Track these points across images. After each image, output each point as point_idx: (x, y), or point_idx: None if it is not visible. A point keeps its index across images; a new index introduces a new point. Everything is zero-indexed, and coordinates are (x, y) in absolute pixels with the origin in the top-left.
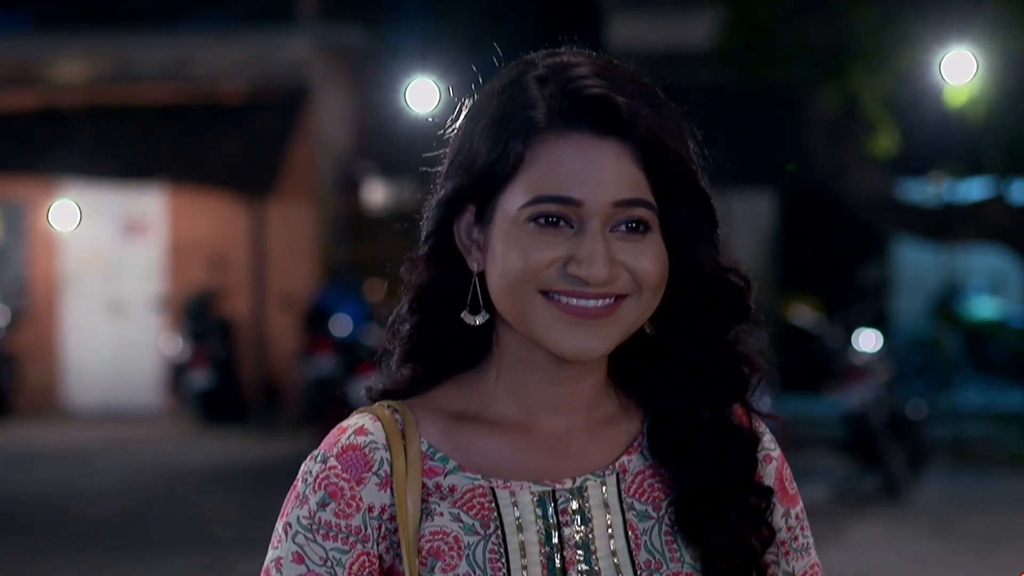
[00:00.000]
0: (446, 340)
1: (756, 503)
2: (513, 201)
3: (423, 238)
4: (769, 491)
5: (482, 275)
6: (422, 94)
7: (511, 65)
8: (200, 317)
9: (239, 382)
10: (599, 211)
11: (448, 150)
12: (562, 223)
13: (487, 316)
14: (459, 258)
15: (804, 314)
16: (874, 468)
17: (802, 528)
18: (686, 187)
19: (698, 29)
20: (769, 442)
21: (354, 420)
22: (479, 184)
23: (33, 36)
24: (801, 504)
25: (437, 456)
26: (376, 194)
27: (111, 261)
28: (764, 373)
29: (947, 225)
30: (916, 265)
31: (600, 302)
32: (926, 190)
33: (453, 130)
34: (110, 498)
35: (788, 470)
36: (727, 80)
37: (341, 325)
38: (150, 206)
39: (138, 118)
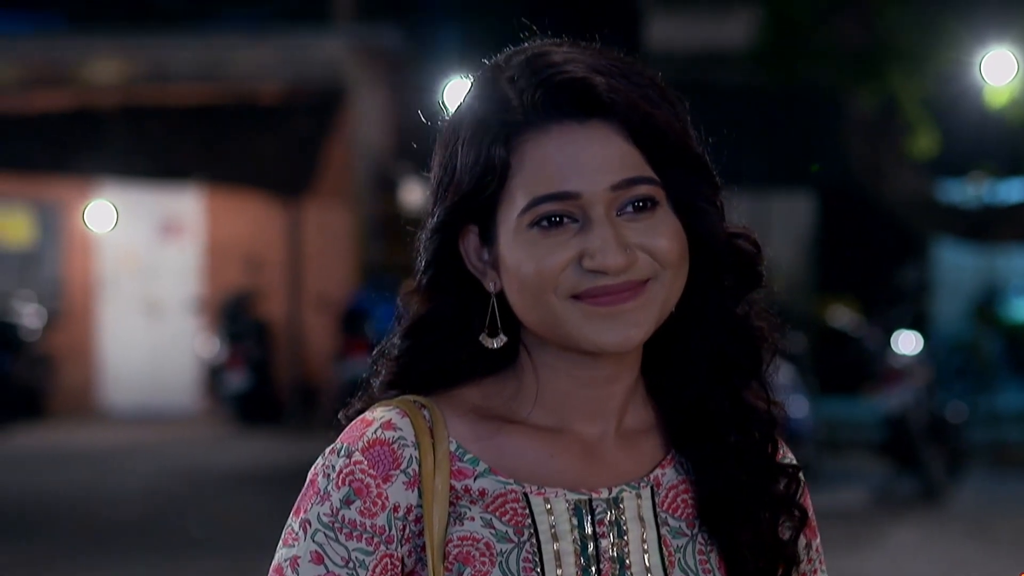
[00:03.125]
0: (447, 362)
1: (783, 488)
2: (511, 210)
3: (421, 269)
4: (796, 468)
5: (500, 295)
6: (459, 94)
7: (480, 72)
8: (236, 318)
9: (275, 384)
10: (599, 198)
11: (432, 175)
12: (566, 220)
13: (505, 339)
14: (463, 283)
15: (843, 316)
16: (913, 471)
17: (821, 562)
18: (680, 154)
19: (736, 30)
20: (794, 460)
21: (380, 413)
22: (471, 202)
23: (67, 36)
24: (819, 538)
25: (467, 457)
26: (412, 195)
27: (147, 262)
28: (778, 348)
29: (986, 226)
30: (955, 267)
31: (624, 290)
32: (965, 191)
33: (432, 154)
34: (144, 499)
35: (809, 499)
36: (765, 81)
37: (390, 328)
38: (186, 207)
39: (172, 119)
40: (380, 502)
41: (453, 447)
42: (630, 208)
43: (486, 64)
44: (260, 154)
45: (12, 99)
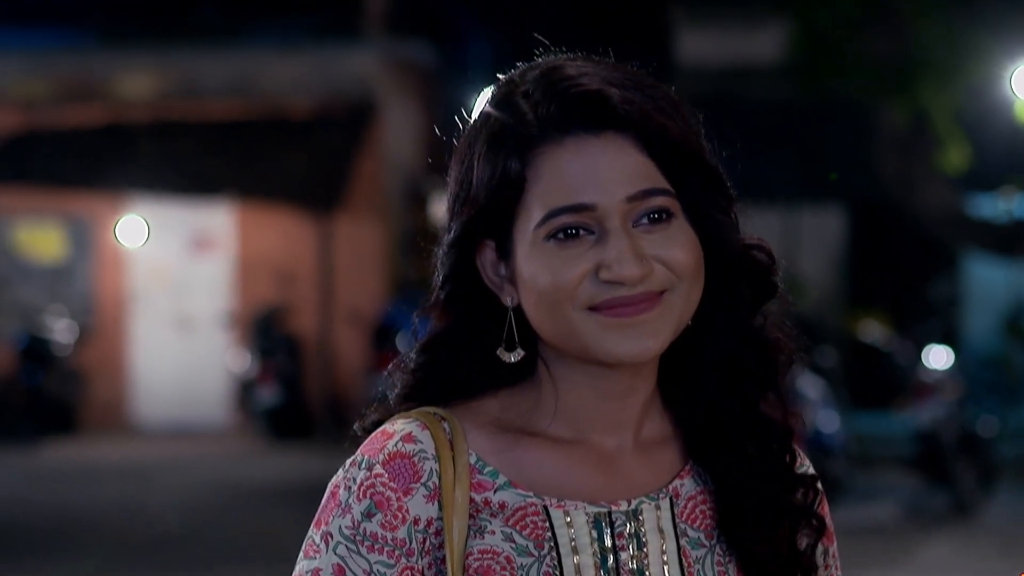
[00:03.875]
0: (464, 375)
1: (801, 498)
2: (527, 223)
3: (438, 284)
4: (814, 479)
5: (517, 309)
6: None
7: (494, 87)
8: (267, 333)
9: (306, 398)
10: (615, 210)
11: (448, 190)
12: (582, 232)
13: (523, 353)
14: (480, 297)
15: (874, 331)
16: (944, 486)
17: (836, 568)
18: (694, 165)
19: (766, 44)
20: (811, 469)
21: (400, 425)
22: (487, 216)
23: (98, 51)
24: (836, 543)
25: (486, 470)
26: (443, 209)
27: (178, 277)
28: (795, 358)
29: (1017, 240)
30: (986, 281)
31: (642, 301)
32: (996, 205)
33: (448, 169)
34: (175, 514)
35: (827, 506)
36: (796, 95)
37: (408, 341)
38: (217, 222)
39: (204, 133)
40: (401, 515)
41: (473, 459)
42: (645, 220)
43: (500, 79)
44: (291, 169)
45: (44, 114)
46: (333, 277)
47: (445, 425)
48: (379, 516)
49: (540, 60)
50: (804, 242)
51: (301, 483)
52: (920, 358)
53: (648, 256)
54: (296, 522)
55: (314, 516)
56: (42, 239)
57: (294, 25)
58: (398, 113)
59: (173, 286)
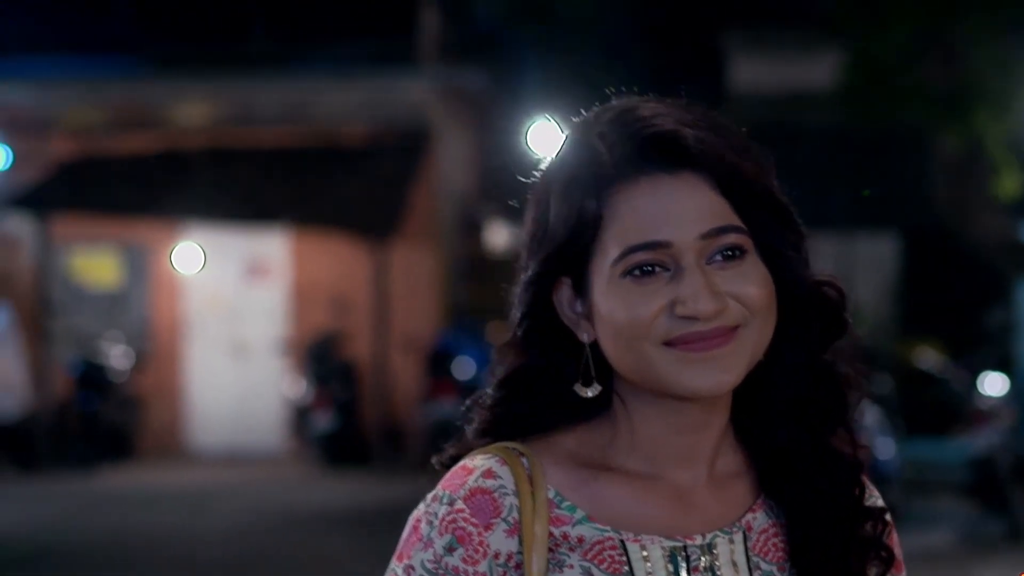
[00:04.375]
0: (540, 411)
1: (871, 530)
2: (604, 261)
3: (516, 322)
4: (882, 511)
5: (593, 345)
6: (543, 136)
7: (570, 129)
8: (323, 360)
9: (361, 425)
10: (690, 247)
11: (525, 229)
12: (657, 269)
13: (600, 388)
14: (556, 334)
15: (929, 358)
16: (1000, 512)
17: None
18: (766, 204)
19: (821, 71)
20: (880, 501)
21: (480, 461)
22: (565, 255)
23: (154, 79)
24: (905, 573)
25: (564, 504)
26: (497, 236)
27: (234, 303)
28: (864, 394)
29: None
30: None
31: (715, 336)
32: None
33: (526, 208)
34: (230, 540)
35: (896, 537)
36: (850, 122)
37: (464, 368)
38: (273, 249)
39: (259, 161)
40: (482, 550)
41: (551, 494)
42: (719, 257)
43: (576, 121)
44: (346, 196)
45: (101, 141)
46: (388, 304)
47: (524, 460)
48: (461, 551)
49: (614, 102)
50: (858, 269)
51: (356, 509)
52: (975, 385)
53: (722, 292)
54: (351, 548)
55: (371, 542)
56: (98, 266)
57: (348, 53)
58: (452, 140)
59: (229, 313)
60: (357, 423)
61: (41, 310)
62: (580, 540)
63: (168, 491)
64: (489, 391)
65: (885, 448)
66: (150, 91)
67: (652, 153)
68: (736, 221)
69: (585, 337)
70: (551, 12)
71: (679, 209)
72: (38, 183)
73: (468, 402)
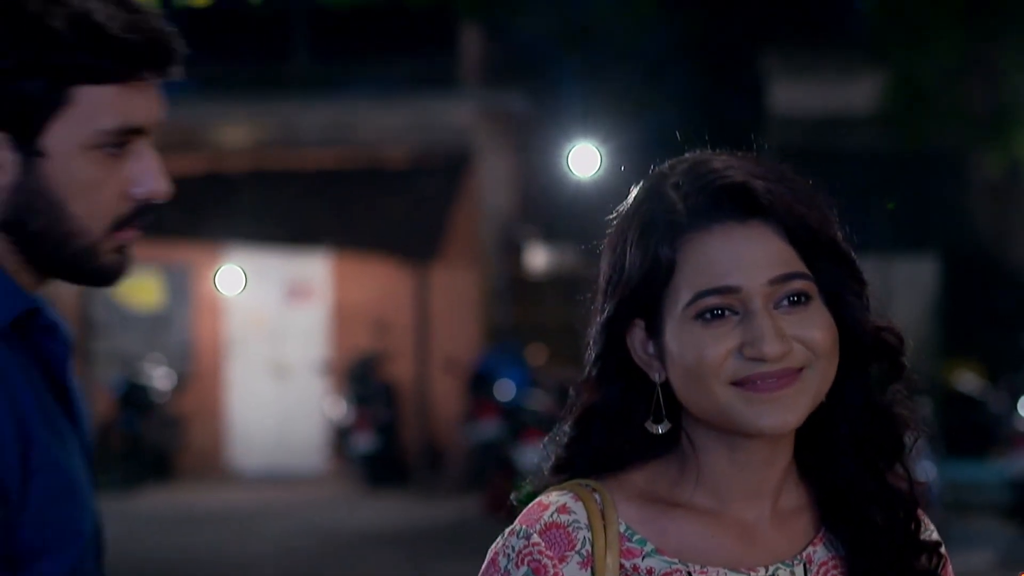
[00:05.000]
0: (614, 447)
1: (926, 563)
2: (676, 305)
3: (591, 360)
4: (937, 544)
5: (664, 384)
6: (583, 159)
7: (645, 179)
8: (364, 381)
9: (402, 445)
10: (758, 292)
11: (601, 273)
12: (727, 313)
13: (669, 425)
14: (629, 373)
15: (968, 380)
16: None
17: None
18: (831, 252)
19: (861, 94)
20: (935, 534)
21: (555, 497)
22: (639, 298)
23: (198, 102)
24: None
25: (635, 538)
26: (537, 258)
27: (275, 325)
28: (921, 435)
29: None
30: None
31: (780, 377)
32: None
33: (600, 252)
34: (273, 560)
35: (950, 568)
36: (889, 145)
37: (504, 389)
38: (314, 270)
39: (301, 182)
40: None
41: (622, 528)
42: (786, 302)
43: (651, 172)
44: (388, 218)
45: None
46: (429, 325)
47: (596, 496)
48: None
49: (688, 155)
50: (898, 291)
51: (397, 530)
52: (1015, 407)
53: (788, 335)
54: (392, 568)
55: (411, 562)
56: (141, 287)
57: (391, 75)
58: (493, 162)
59: (270, 334)
60: (397, 443)
61: (84, 331)
62: (650, 572)
63: (210, 511)
64: (566, 428)
65: (926, 470)
66: (194, 113)
67: (724, 203)
68: (802, 268)
69: (657, 377)
70: (592, 35)
71: (748, 256)
72: None
73: (546, 440)
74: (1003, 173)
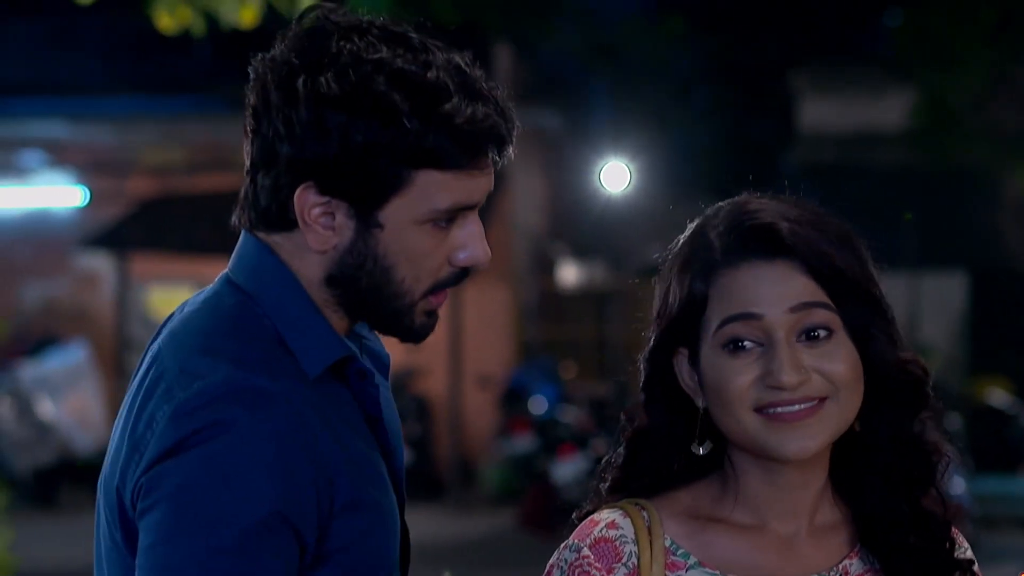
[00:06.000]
0: (663, 468)
1: None
2: (708, 334)
3: (641, 386)
4: (970, 563)
5: (706, 409)
6: (614, 176)
7: (693, 220)
8: (397, 396)
9: (435, 460)
10: (780, 321)
11: (654, 305)
12: (750, 344)
13: (711, 445)
14: (676, 398)
15: (998, 395)
16: None
17: None
18: (857, 291)
19: (890, 111)
20: (969, 552)
21: (605, 514)
22: (678, 329)
23: (231, 118)
24: None
25: (679, 552)
26: (569, 274)
27: None
28: (951, 459)
29: None
30: None
31: (802, 406)
32: None
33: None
34: None
35: None
36: (918, 162)
37: (537, 405)
38: None
39: None
40: None
41: (668, 543)
42: (807, 336)
43: (701, 213)
44: None
45: (178, 180)
46: (462, 341)
47: (644, 513)
48: None
49: (736, 197)
50: (927, 307)
51: (430, 544)
52: None
53: (806, 366)
54: None
55: (448, 574)
56: (176, 303)
57: None
58: (524, 179)
59: None
60: (431, 458)
61: (120, 347)
62: None
63: None
64: (620, 450)
65: (956, 485)
66: (227, 130)
67: (752, 243)
68: (824, 299)
69: (700, 403)
70: (622, 53)
71: (771, 289)
72: (117, 221)
73: (603, 462)
74: None
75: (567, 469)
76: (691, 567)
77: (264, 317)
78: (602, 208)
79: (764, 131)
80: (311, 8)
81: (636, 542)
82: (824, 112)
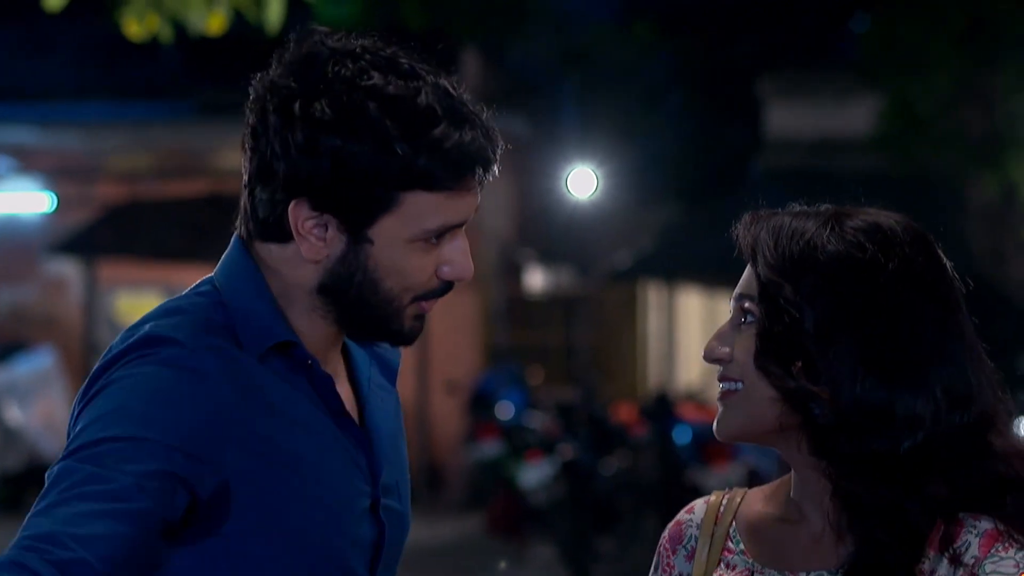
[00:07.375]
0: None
1: None
2: None
3: None
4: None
5: None
6: (581, 181)
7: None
8: None
9: None
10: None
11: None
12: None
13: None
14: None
15: None
16: None
17: None
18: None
19: (856, 117)
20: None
21: (698, 502)
22: None
23: (200, 124)
24: None
25: (736, 539)
26: (536, 280)
27: None
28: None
29: None
30: None
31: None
32: None
33: None
34: None
35: None
36: (886, 167)
37: (504, 410)
38: None
39: None
40: (669, 569)
41: (732, 530)
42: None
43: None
44: None
45: (147, 186)
46: (429, 346)
47: (724, 501)
48: (658, 570)
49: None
50: None
51: None
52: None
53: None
54: None
55: None
56: (144, 309)
57: None
58: (492, 185)
59: None
60: None
61: (88, 352)
62: (732, 567)
63: None
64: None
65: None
66: (196, 136)
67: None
68: (752, 293)
69: None
70: (590, 59)
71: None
72: (85, 227)
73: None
74: (998, 197)
75: (534, 474)
76: (737, 553)
77: (219, 305)
78: (570, 214)
79: (732, 137)
80: (308, 31)
81: (700, 527)
82: (792, 117)
